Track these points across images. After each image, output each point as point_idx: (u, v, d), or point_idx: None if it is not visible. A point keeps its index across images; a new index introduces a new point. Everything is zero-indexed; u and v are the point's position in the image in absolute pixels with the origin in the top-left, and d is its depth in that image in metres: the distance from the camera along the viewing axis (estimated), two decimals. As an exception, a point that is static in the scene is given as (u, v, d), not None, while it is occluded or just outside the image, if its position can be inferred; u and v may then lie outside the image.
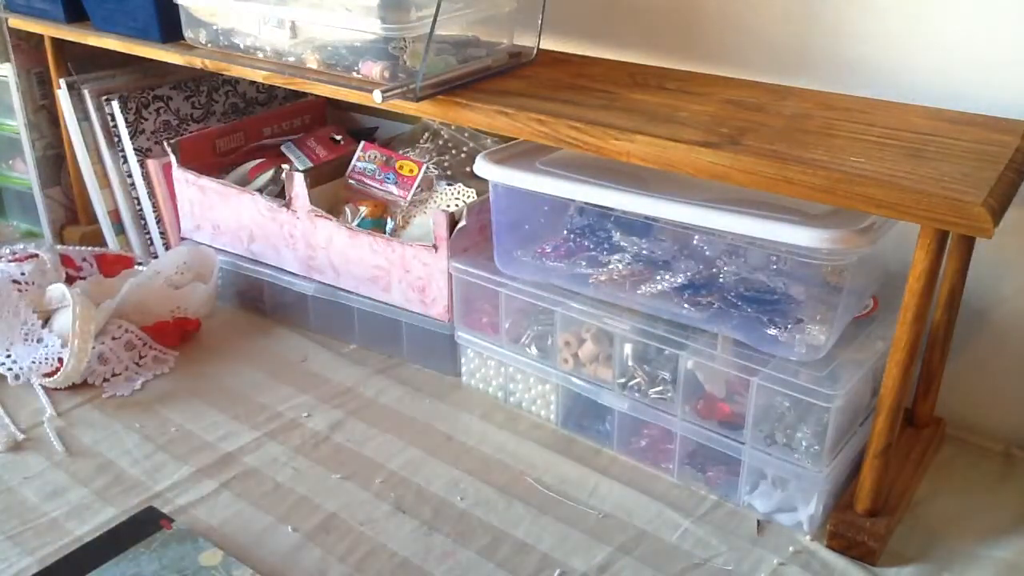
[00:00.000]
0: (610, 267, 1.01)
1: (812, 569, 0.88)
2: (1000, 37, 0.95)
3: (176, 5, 1.18)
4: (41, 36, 1.42)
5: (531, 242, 1.08)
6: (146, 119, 1.41)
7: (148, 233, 1.48)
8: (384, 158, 1.26)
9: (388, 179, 1.25)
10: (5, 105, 1.53)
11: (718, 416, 0.95)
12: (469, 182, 1.22)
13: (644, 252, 1.00)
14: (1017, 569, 0.88)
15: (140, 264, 1.41)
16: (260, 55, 1.14)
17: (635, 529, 0.93)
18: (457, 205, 1.20)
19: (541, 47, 1.14)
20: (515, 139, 1.07)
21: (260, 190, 1.31)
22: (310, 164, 1.36)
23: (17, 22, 1.41)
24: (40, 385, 1.15)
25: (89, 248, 1.41)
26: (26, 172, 1.56)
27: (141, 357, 1.21)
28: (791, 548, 0.90)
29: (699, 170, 0.84)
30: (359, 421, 1.10)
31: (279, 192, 1.30)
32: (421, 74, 0.98)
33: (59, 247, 1.37)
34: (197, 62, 1.19)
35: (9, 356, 1.17)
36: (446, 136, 1.36)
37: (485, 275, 1.10)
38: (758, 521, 0.94)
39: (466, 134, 1.36)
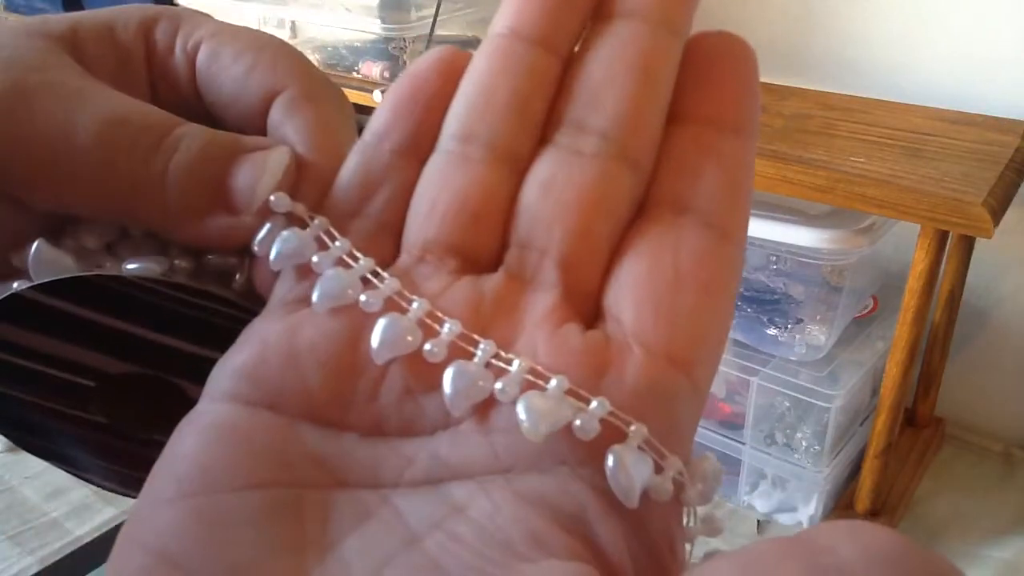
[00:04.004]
0: (610, 267, 1.01)
1: (812, 569, 0.87)
2: (1000, 37, 0.94)
3: (176, 5, 1.18)
4: (41, 36, 1.42)
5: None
6: (146, 119, 1.41)
7: (148, 233, 1.47)
8: (384, 158, 1.26)
9: (388, 179, 1.25)
10: (5, 105, 1.53)
11: (718, 416, 0.95)
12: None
13: (644, 252, 0.99)
14: (1017, 569, 0.88)
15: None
16: (260, 55, 1.14)
17: (635, 529, 0.92)
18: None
19: (541, 47, 1.14)
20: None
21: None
22: (310, 164, 1.36)
23: (17, 22, 1.41)
24: (40, 385, 1.15)
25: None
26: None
27: (141, 357, 1.21)
28: (791, 548, 0.90)
29: (699, 170, 0.84)
30: (359, 421, 1.10)
31: (279, 192, 1.30)
32: (421, 74, 0.98)
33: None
34: (197, 62, 1.19)
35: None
36: (446, 136, 1.36)
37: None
38: (758, 521, 0.94)
39: (466, 134, 1.36)
